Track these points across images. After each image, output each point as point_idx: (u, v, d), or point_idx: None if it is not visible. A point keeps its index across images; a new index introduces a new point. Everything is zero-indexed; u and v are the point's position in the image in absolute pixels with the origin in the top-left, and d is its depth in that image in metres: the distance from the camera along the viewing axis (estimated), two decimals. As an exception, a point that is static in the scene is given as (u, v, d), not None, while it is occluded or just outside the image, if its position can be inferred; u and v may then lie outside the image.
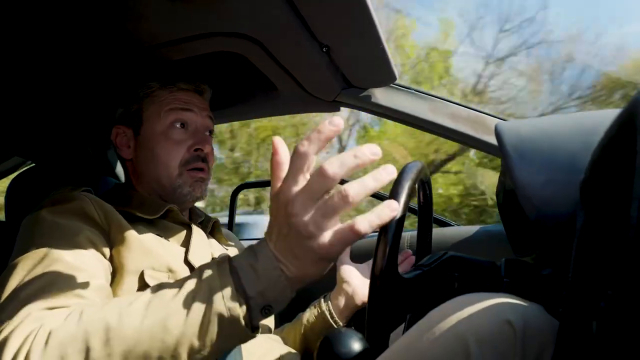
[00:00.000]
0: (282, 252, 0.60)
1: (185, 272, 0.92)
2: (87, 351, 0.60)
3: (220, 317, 0.59)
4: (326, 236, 0.57)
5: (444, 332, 0.57)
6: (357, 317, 1.09)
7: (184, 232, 1.01)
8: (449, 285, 0.76)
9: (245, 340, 0.63)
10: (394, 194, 0.81)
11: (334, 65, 1.22)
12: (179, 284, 0.64)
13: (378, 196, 1.71)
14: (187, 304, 0.60)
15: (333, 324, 1.07)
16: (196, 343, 0.60)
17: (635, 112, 0.36)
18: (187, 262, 0.94)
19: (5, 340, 0.63)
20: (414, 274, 0.77)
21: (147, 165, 1.06)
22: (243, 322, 0.60)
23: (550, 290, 0.68)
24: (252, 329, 0.62)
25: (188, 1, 0.91)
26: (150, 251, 0.89)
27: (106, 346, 0.60)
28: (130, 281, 0.86)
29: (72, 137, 1.38)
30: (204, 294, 0.60)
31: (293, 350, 1.01)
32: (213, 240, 1.09)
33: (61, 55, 1.07)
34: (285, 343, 1.09)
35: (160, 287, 0.65)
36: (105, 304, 0.66)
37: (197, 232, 1.02)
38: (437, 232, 1.42)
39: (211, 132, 1.13)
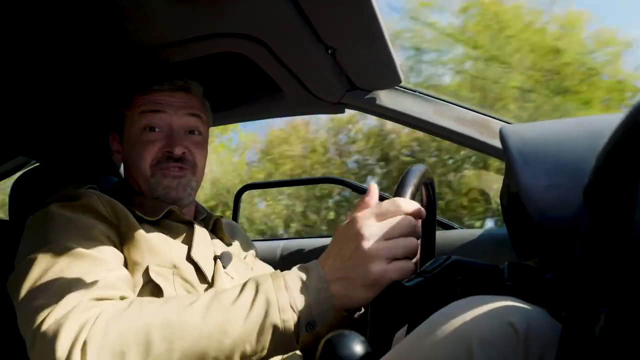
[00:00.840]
0: (334, 273, 0.68)
1: (189, 268, 0.92)
2: (148, 344, 0.63)
3: (275, 327, 0.65)
4: (385, 263, 0.66)
5: (447, 334, 0.57)
6: (359, 323, 1.08)
7: (187, 230, 1.01)
8: (452, 290, 0.76)
9: (289, 351, 0.68)
10: (397, 196, 0.81)
11: (339, 67, 1.22)
12: (237, 291, 0.68)
13: (381, 198, 1.71)
14: (246, 311, 0.66)
15: (343, 310, 1.01)
16: (249, 349, 0.65)
17: (639, 116, 0.36)
18: (189, 258, 0.94)
19: (59, 326, 0.64)
20: (415, 282, 0.77)
21: (131, 168, 1.07)
22: (294, 335, 0.66)
23: (554, 294, 0.68)
24: (298, 341, 0.67)
25: (193, 2, 0.92)
26: (155, 248, 0.90)
27: (166, 341, 0.63)
28: (135, 276, 0.86)
29: (76, 137, 1.38)
30: (261, 304, 0.66)
31: (297, 352, 1.01)
32: (216, 239, 1.09)
33: (65, 56, 1.08)
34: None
35: (217, 292, 0.69)
36: (165, 301, 0.69)
37: (200, 230, 1.02)
38: (440, 235, 1.42)
39: (194, 131, 1.07)
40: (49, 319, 0.66)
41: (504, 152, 0.74)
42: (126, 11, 0.94)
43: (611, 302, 0.38)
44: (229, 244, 1.11)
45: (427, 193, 1.02)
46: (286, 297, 0.66)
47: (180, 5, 0.92)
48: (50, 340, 0.64)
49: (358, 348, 0.56)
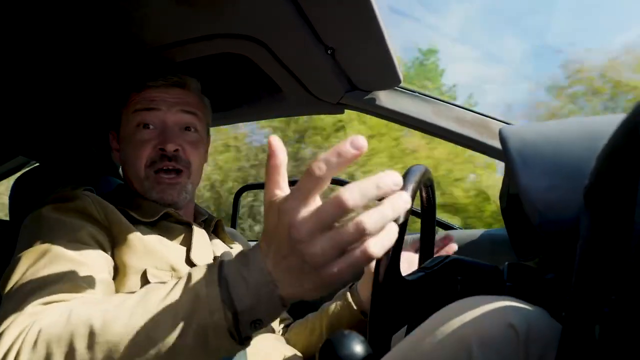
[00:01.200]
0: (278, 270, 0.53)
1: (186, 270, 0.92)
2: (72, 353, 0.58)
3: (204, 331, 0.55)
4: (335, 266, 0.50)
5: (447, 335, 0.57)
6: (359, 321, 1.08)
7: (185, 232, 1.00)
8: (452, 288, 0.76)
9: (234, 353, 0.58)
10: None
11: (339, 68, 1.22)
12: (168, 287, 0.60)
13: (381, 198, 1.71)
14: (172, 313, 0.56)
15: (360, 314, 1.04)
16: (181, 357, 0.56)
17: (639, 118, 0.36)
18: (189, 261, 0.94)
19: (3, 333, 0.63)
20: (416, 276, 0.77)
21: (126, 168, 1.06)
22: (229, 336, 0.55)
23: (553, 295, 0.68)
24: (241, 341, 0.57)
25: (193, 3, 0.92)
26: (152, 250, 0.89)
27: (90, 350, 0.58)
28: (133, 280, 0.86)
29: (76, 137, 1.38)
30: (189, 303, 0.56)
31: (298, 353, 1.01)
32: (216, 240, 1.09)
33: (66, 56, 1.08)
34: (311, 333, 1.08)
35: (149, 289, 0.61)
36: (94, 303, 0.64)
37: (199, 232, 1.01)
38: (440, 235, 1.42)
39: (190, 127, 1.05)
40: (2, 324, 0.66)
41: (503, 153, 0.74)
42: (126, 12, 0.94)
43: (611, 302, 0.38)
44: (231, 246, 1.11)
45: (427, 193, 1.02)
46: (217, 292, 0.55)
47: (181, 6, 0.92)
48: None
49: (358, 348, 0.56)
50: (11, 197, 1.20)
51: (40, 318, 0.64)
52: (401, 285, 0.76)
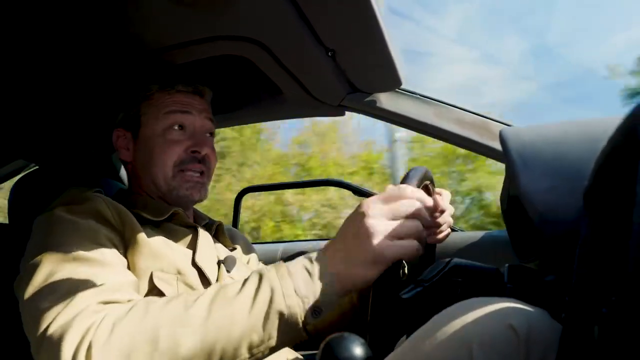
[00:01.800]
0: (336, 254, 0.69)
1: (193, 273, 0.92)
2: (154, 342, 0.63)
3: (281, 314, 0.65)
4: (388, 241, 0.66)
5: (448, 336, 0.57)
6: (360, 317, 1.08)
7: (190, 235, 1.01)
8: (452, 292, 0.76)
9: (298, 340, 0.67)
10: None
11: (340, 70, 1.22)
12: (240, 283, 0.69)
13: (368, 194, 1.71)
14: (251, 301, 0.66)
15: None
16: (256, 338, 0.65)
17: (637, 120, 0.36)
18: (194, 264, 0.94)
19: (65, 330, 0.65)
20: (414, 292, 0.77)
21: (145, 166, 1.06)
22: (300, 321, 0.65)
23: (554, 296, 0.68)
24: (305, 328, 0.67)
25: (194, 5, 0.92)
26: (159, 253, 0.90)
27: (173, 338, 0.63)
28: (140, 282, 0.86)
29: (76, 140, 1.39)
30: (265, 293, 0.66)
31: (299, 356, 1.01)
32: (218, 243, 1.09)
33: (66, 58, 1.08)
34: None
35: (221, 286, 0.70)
36: (170, 299, 0.69)
37: (203, 235, 1.02)
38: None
39: (211, 133, 1.12)
40: (55, 323, 0.66)
41: (504, 155, 0.74)
42: (127, 13, 0.94)
43: (611, 303, 0.38)
44: (231, 249, 1.11)
45: (428, 194, 1.03)
46: (290, 283, 0.67)
47: (181, 8, 0.92)
48: (55, 344, 0.64)
49: (357, 350, 0.56)
50: (10, 200, 1.21)
51: (111, 312, 0.67)
52: (398, 303, 0.76)
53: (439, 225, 1.03)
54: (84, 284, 0.73)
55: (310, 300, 0.66)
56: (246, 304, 0.66)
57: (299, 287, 0.66)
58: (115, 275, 0.79)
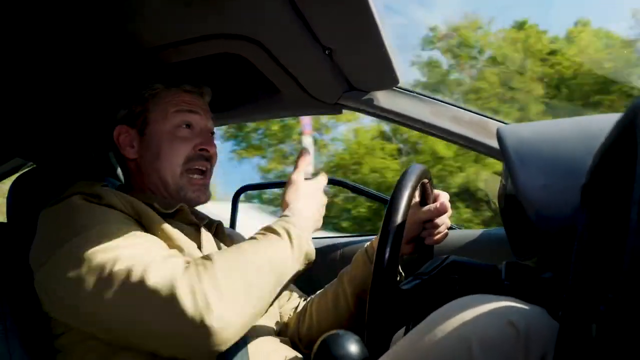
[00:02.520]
0: (303, 225, 0.92)
1: None
2: (244, 277, 0.77)
3: (308, 253, 0.89)
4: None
5: (447, 333, 0.57)
6: (358, 319, 1.08)
7: (194, 233, 1.01)
8: (450, 289, 0.76)
9: (306, 268, 0.90)
10: (394, 197, 0.82)
11: (337, 68, 1.22)
12: (267, 235, 0.88)
13: (379, 199, 1.71)
14: (286, 245, 0.86)
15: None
16: (296, 266, 0.87)
17: (636, 117, 0.36)
18: None
19: (172, 287, 0.72)
20: (412, 284, 0.78)
21: (152, 164, 1.06)
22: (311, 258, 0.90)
23: (551, 294, 0.68)
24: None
25: (191, 3, 0.92)
26: (177, 243, 0.91)
27: (252, 268, 0.79)
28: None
29: (74, 138, 1.38)
30: (297, 241, 0.87)
31: (299, 355, 1.01)
32: (220, 242, 1.10)
33: (63, 57, 1.08)
34: (335, 307, 1.11)
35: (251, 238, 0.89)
36: (226, 251, 0.85)
37: (205, 234, 1.03)
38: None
39: (212, 133, 1.14)
40: (151, 279, 0.73)
41: (501, 152, 0.74)
42: (124, 12, 0.94)
43: (608, 300, 0.38)
44: None
45: (425, 193, 1.03)
46: (304, 235, 0.90)
47: (178, 7, 0.92)
48: (166, 299, 0.72)
49: (353, 348, 0.56)
50: (9, 199, 1.20)
51: (200, 269, 0.76)
52: (397, 294, 0.76)
53: (437, 226, 1.04)
54: (142, 254, 0.77)
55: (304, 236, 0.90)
56: (284, 249, 0.86)
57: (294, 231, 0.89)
58: (160, 247, 0.85)
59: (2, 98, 1.19)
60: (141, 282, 0.73)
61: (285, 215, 0.93)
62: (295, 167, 1.02)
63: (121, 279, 0.74)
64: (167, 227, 0.93)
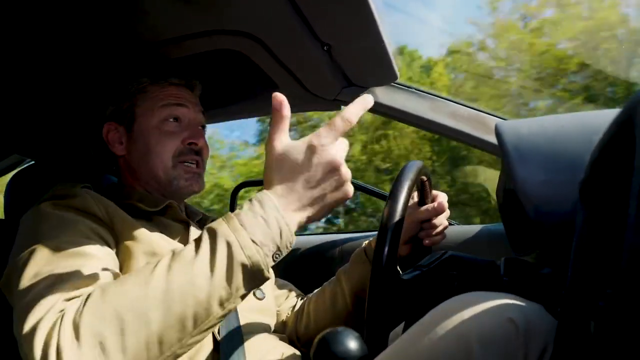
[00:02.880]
0: (291, 197, 0.69)
1: None
2: (123, 326, 0.62)
3: (243, 266, 0.65)
4: (344, 177, 0.70)
5: (446, 331, 0.57)
6: (356, 318, 1.08)
7: (182, 230, 1.01)
8: (449, 285, 0.76)
9: (262, 283, 0.69)
10: (394, 193, 0.82)
11: (335, 64, 1.22)
12: (193, 246, 0.68)
13: (379, 195, 1.71)
14: (210, 260, 0.66)
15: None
16: (224, 293, 0.65)
17: (634, 112, 0.36)
18: None
19: (34, 330, 0.64)
20: (412, 275, 0.78)
21: (141, 159, 1.06)
22: (264, 267, 0.67)
23: (550, 290, 0.68)
24: (268, 272, 0.68)
25: (190, 0, 0.92)
26: (153, 247, 0.89)
27: (140, 316, 0.63)
28: None
29: (71, 135, 1.38)
30: (222, 249, 0.66)
31: (297, 352, 1.01)
32: None
33: (62, 53, 1.08)
34: (333, 305, 1.10)
35: (175, 252, 0.69)
36: (125, 279, 0.68)
37: (195, 231, 1.02)
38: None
39: (203, 126, 1.13)
40: (27, 323, 0.66)
41: (499, 148, 0.74)
42: (122, 9, 0.94)
43: (607, 296, 0.38)
44: None
45: (424, 189, 1.03)
46: (245, 234, 0.66)
47: (177, 3, 0.92)
48: (28, 345, 0.64)
49: (352, 344, 0.56)
50: (7, 196, 1.20)
51: (69, 309, 0.65)
52: (398, 284, 0.76)
53: (435, 226, 1.04)
54: (62, 280, 0.72)
55: (270, 247, 0.68)
56: (205, 265, 0.65)
57: (255, 236, 0.67)
58: (97, 268, 0.77)
59: (1, 95, 1.19)
60: (26, 322, 0.67)
61: (254, 198, 0.71)
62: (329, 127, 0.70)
63: (20, 313, 0.70)
64: (142, 231, 0.90)
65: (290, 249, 0.71)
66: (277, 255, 0.69)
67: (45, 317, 0.65)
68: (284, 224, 0.68)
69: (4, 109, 1.24)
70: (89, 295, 0.67)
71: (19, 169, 1.28)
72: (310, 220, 0.71)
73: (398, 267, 1.03)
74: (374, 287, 0.72)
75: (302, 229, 0.76)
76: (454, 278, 0.76)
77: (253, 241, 0.66)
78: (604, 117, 0.50)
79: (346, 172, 0.70)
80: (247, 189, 2.03)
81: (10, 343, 0.92)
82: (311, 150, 0.68)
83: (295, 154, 0.69)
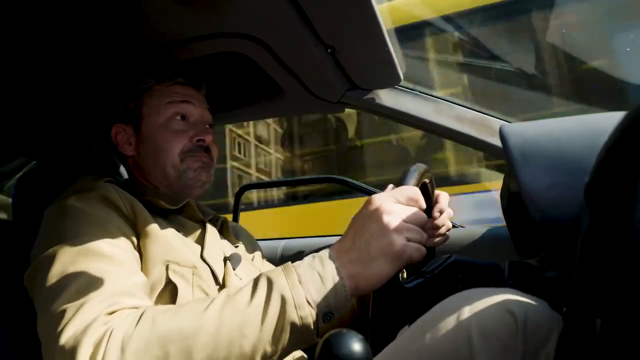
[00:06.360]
0: (350, 256, 0.67)
1: (205, 269, 0.91)
2: (166, 356, 0.61)
3: (293, 325, 0.64)
4: (405, 240, 0.66)
5: (447, 325, 0.57)
6: (360, 322, 1.08)
7: (199, 229, 1.01)
8: (453, 288, 0.76)
9: (309, 344, 0.66)
10: None
11: (339, 67, 1.22)
12: (249, 291, 0.67)
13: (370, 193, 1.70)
14: (262, 312, 0.64)
15: None
16: (269, 349, 0.64)
17: (640, 115, 0.36)
18: (202, 258, 0.93)
19: (77, 342, 0.63)
20: (416, 283, 0.78)
21: (151, 158, 1.06)
22: (312, 329, 0.64)
23: (555, 293, 0.68)
24: (318, 333, 0.66)
25: (194, 2, 0.92)
26: (173, 245, 0.88)
27: (184, 353, 0.62)
28: (155, 274, 0.84)
29: (78, 137, 1.38)
30: (276, 303, 0.64)
31: (304, 355, 1.01)
32: (224, 239, 1.09)
33: (67, 55, 1.08)
34: None
35: (231, 294, 0.68)
36: (177, 310, 0.67)
37: (211, 230, 1.02)
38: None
39: (211, 125, 1.13)
40: (66, 332, 0.65)
41: (504, 151, 0.74)
42: (128, 10, 0.94)
43: (612, 299, 0.38)
44: (236, 246, 1.11)
45: (426, 192, 1.03)
46: (302, 292, 0.65)
47: (182, 5, 0.92)
48: (65, 353, 0.63)
49: (356, 347, 0.56)
50: (14, 198, 1.20)
51: (118, 325, 0.64)
52: (401, 293, 0.76)
53: (438, 227, 1.04)
54: (94, 285, 0.71)
55: (322, 308, 0.65)
56: (257, 316, 0.64)
57: (310, 295, 0.65)
58: (127, 276, 0.76)
59: (6, 97, 1.19)
60: (63, 328, 0.66)
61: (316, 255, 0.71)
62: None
63: (51, 316, 0.69)
64: (161, 229, 0.89)
65: (344, 312, 0.68)
66: (328, 317, 0.67)
67: (89, 330, 0.64)
68: (341, 284, 0.66)
69: (9, 111, 1.25)
70: (139, 318, 0.66)
71: (25, 170, 1.29)
72: (376, 277, 0.67)
73: (403, 270, 1.04)
74: (378, 291, 0.72)
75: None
76: (458, 281, 0.76)
77: (308, 301, 0.65)
78: (609, 120, 0.50)
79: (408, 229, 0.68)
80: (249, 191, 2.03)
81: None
82: (369, 209, 0.69)
83: (362, 214, 0.71)
